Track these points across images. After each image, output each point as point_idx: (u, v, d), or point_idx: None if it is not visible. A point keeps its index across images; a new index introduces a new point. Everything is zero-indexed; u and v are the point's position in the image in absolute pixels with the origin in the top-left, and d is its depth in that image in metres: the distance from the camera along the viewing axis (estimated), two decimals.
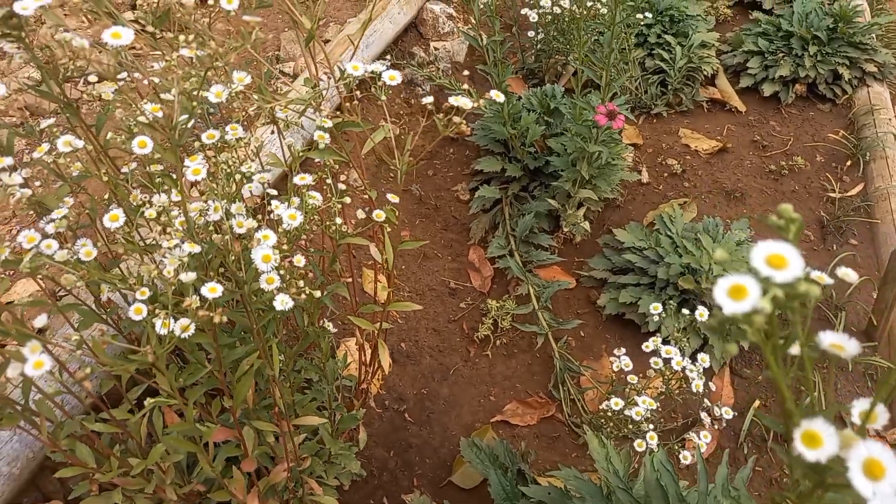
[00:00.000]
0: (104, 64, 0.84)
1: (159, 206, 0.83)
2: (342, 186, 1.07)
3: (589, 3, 2.12)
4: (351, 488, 1.53)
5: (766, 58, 2.59)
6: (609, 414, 1.43)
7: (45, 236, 0.84)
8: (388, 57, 2.47)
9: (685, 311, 1.55)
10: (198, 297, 0.81)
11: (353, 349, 1.71)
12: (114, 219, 0.83)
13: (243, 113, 1.02)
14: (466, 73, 2.50)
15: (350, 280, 1.20)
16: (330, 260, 1.15)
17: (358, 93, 1.00)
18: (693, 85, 2.55)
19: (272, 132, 1.52)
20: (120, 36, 0.67)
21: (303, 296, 0.80)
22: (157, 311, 0.83)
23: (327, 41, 2.27)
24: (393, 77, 0.90)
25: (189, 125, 0.75)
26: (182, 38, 0.83)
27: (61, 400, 1.11)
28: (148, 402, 0.81)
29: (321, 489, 1.23)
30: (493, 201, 2.09)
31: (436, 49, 2.51)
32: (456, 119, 0.81)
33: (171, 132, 0.75)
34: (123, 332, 1.17)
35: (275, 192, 1.05)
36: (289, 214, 0.85)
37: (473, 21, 2.67)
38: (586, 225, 1.94)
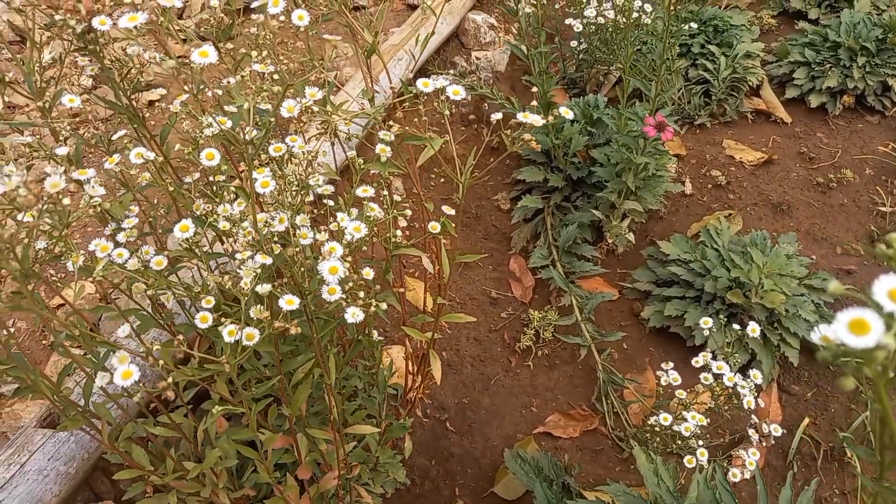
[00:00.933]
0: (174, 77, 0.86)
1: (230, 217, 0.84)
2: (397, 198, 1.08)
3: (634, 14, 2.11)
4: (394, 496, 1.54)
5: (813, 68, 2.54)
6: (657, 429, 1.42)
7: (117, 245, 0.87)
8: (430, 67, 2.48)
9: (736, 326, 1.53)
10: (261, 307, 0.82)
11: (396, 357, 1.72)
12: (184, 229, 0.85)
13: (299, 125, 1.04)
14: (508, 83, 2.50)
15: (402, 290, 1.21)
16: (384, 270, 1.16)
17: (405, 104, 1.01)
18: (737, 95, 2.52)
19: (327, 142, 1.53)
20: (207, 55, 0.68)
21: (372, 308, 0.80)
22: (223, 319, 0.85)
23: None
24: (457, 92, 0.91)
25: (264, 139, 0.76)
26: (255, 53, 0.85)
27: (125, 403, 1.13)
28: (216, 409, 0.82)
29: (370, 497, 1.24)
30: (535, 211, 2.09)
31: (477, 59, 2.52)
32: (526, 136, 0.81)
33: (244, 146, 0.77)
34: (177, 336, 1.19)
35: (332, 203, 1.06)
36: (354, 227, 0.85)
37: (515, 31, 2.67)
38: (630, 236, 1.93)
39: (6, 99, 0.95)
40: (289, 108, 0.81)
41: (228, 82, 0.83)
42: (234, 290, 0.75)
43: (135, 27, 0.69)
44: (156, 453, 1.22)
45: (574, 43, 2.44)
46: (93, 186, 0.74)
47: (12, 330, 1.00)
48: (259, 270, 0.76)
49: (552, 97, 2.04)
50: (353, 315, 0.79)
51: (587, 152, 2.07)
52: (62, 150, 0.78)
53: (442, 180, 2.24)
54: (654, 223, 2.15)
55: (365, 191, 0.95)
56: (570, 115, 0.89)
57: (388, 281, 1.23)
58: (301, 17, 0.86)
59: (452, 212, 1.15)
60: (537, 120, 0.81)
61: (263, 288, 0.75)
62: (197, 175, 1.06)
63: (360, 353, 1.24)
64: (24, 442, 1.24)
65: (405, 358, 1.40)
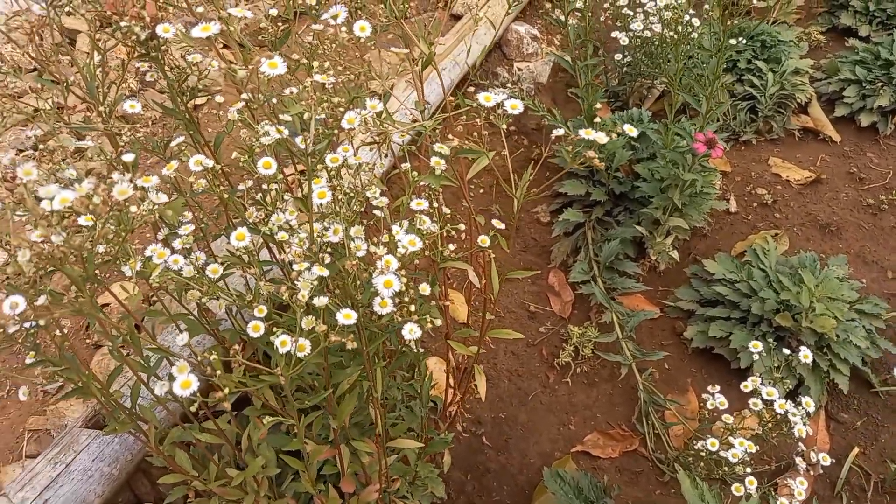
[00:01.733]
0: (240, 85, 0.86)
1: (285, 226, 0.84)
2: (446, 210, 1.07)
3: (679, 28, 2.08)
4: None
5: (864, 87, 2.48)
6: (702, 454, 1.38)
7: (173, 251, 0.87)
8: (472, 76, 2.47)
9: (786, 350, 1.49)
10: (318, 320, 0.81)
11: (434, 369, 1.71)
12: (240, 238, 0.85)
13: (348, 134, 1.04)
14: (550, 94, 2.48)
15: (449, 303, 1.20)
16: (431, 283, 1.15)
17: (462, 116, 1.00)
18: (784, 112, 2.47)
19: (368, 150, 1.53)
20: (276, 66, 0.68)
21: (428, 325, 0.79)
22: (275, 329, 0.84)
23: (414, 61, 2.30)
24: (515, 106, 0.89)
25: (326, 149, 0.76)
26: (316, 64, 0.85)
27: (172, 408, 1.14)
28: (266, 420, 0.81)
29: None
30: (576, 225, 2.06)
31: (519, 70, 2.51)
32: (590, 153, 0.79)
33: (305, 157, 0.76)
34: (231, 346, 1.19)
35: (381, 214, 1.06)
36: (409, 240, 0.85)
37: (557, 42, 2.66)
38: (675, 254, 1.89)
39: (56, 100, 0.97)
40: (349, 119, 0.80)
41: (291, 92, 0.83)
42: (289, 302, 0.75)
43: (207, 37, 0.69)
44: (198, 458, 1.22)
45: (618, 56, 2.41)
46: (156, 194, 0.74)
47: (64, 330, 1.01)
48: (315, 282, 0.75)
49: (597, 111, 2.01)
50: (411, 331, 0.77)
51: (630, 167, 2.04)
52: (129, 157, 0.79)
53: (481, 191, 2.23)
54: (697, 240, 2.11)
55: (419, 203, 0.94)
56: (634, 132, 0.87)
57: (434, 293, 1.22)
58: (363, 28, 0.86)
59: (502, 226, 1.14)
60: (602, 137, 0.80)
61: (320, 301, 0.74)
62: (250, 183, 1.07)
63: (399, 365, 1.23)
64: (69, 441, 1.25)
65: (445, 372, 1.39)
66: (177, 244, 0.88)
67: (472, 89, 2.36)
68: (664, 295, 1.98)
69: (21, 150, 2.46)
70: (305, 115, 0.82)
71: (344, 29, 0.87)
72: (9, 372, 1.86)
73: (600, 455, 1.64)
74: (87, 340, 1.79)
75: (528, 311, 1.96)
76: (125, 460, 1.30)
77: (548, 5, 1.96)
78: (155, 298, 1.61)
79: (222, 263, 0.86)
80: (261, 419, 1.22)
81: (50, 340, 0.91)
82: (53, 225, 0.58)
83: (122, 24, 0.85)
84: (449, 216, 1.07)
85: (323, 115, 0.79)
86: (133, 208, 0.67)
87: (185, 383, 0.69)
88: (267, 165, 0.91)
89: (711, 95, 1.58)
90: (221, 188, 1.03)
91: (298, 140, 0.99)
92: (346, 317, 0.73)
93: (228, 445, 1.19)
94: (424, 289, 0.84)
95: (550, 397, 1.78)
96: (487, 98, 0.82)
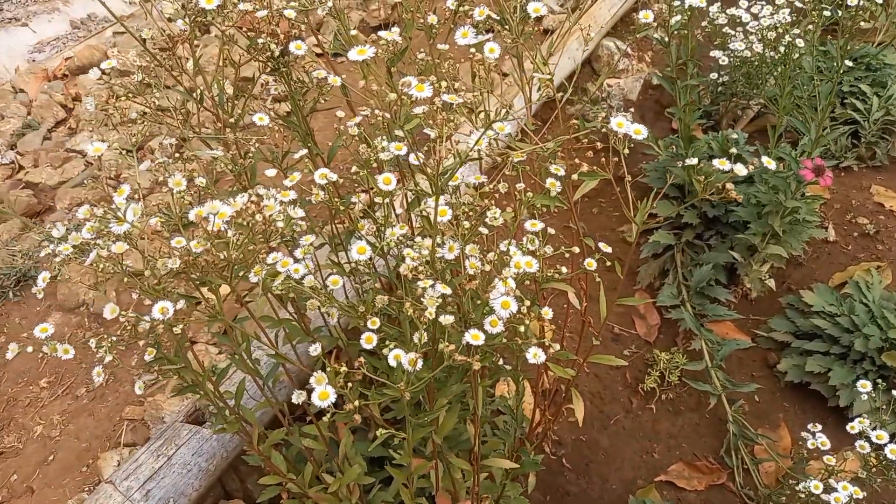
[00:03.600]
0: (370, 103, 0.88)
1: (403, 241, 0.85)
2: (551, 230, 1.06)
3: (783, 49, 2.01)
4: None
5: None
6: (801, 495, 1.32)
7: (296, 260, 0.89)
8: (561, 92, 2.46)
9: (895, 392, 1.41)
10: (423, 333, 0.82)
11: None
12: (361, 251, 0.87)
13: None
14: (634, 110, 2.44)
15: (542, 323, 1.18)
16: (531, 301, 1.14)
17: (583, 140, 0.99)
18: (889, 139, 2.35)
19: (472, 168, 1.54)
20: (423, 89, 0.69)
21: (551, 350, 0.79)
22: (387, 343, 0.85)
23: (505, 75, 2.30)
24: (639, 131, 0.88)
25: (455, 168, 0.77)
26: (444, 84, 0.86)
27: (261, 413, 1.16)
28: (380, 432, 0.82)
29: None
30: (665, 247, 2.02)
31: (609, 86, 2.48)
32: (729, 186, 0.77)
33: (435, 178, 0.77)
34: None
35: (485, 231, 1.06)
36: (526, 261, 0.84)
37: (648, 59, 2.62)
38: (771, 282, 1.82)
39: (182, 110, 1.01)
40: (477, 141, 0.81)
41: (422, 111, 0.84)
42: (413, 318, 0.76)
43: (363, 60, 0.71)
44: (291, 460, 1.25)
45: (713, 75, 2.35)
46: (294, 208, 0.76)
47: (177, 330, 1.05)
48: (440, 300, 0.76)
49: (694, 132, 1.97)
50: (535, 356, 0.77)
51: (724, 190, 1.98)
52: (271, 172, 0.82)
53: (565, 208, 2.21)
54: (791, 269, 2.03)
55: (534, 224, 0.94)
56: (772, 165, 0.84)
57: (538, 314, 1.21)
58: (492, 49, 0.86)
59: (609, 249, 1.12)
60: (741, 169, 0.78)
61: (447, 318, 0.75)
62: (364, 196, 1.09)
63: (493, 382, 1.23)
64: (171, 435, 1.30)
65: (534, 392, 1.37)
66: (298, 253, 0.90)
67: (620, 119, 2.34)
68: (755, 324, 1.91)
69: (127, 150, 2.58)
70: (432, 135, 0.83)
71: (473, 49, 0.87)
72: (108, 364, 1.94)
73: (685, 487, 1.59)
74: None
75: (612, 333, 1.93)
76: (220, 457, 1.34)
77: (645, 23, 1.93)
78: (248, 300, 1.66)
79: (342, 274, 0.88)
80: (342, 425, 1.23)
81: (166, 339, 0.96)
82: (211, 236, 0.60)
83: (260, 40, 0.88)
84: (553, 236, 1.06)
85: (453, 134, 0.80)
86: (280, 223, 0.70)
87: (323, 394, 0.71)
88: (387, 181, 0.92)
89: (823, 121, 1.52)
90: (337, 200, 1.06)
91: (412, 157, 1.00)
92: (475, 337, 0.74)
93: (322, 451, 1.21)
94: (546, 312, 0.84)
95: (633, 423, 1.74)
96: (620, 124, 0.81)
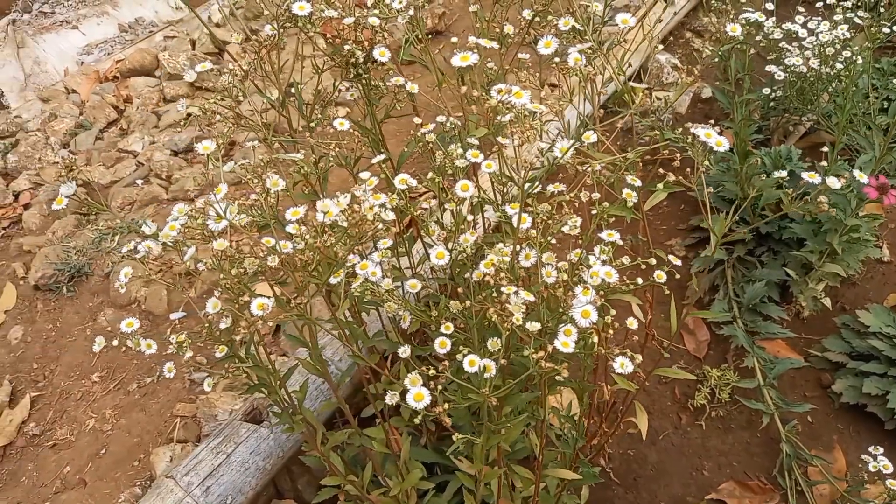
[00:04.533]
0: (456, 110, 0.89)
1: (496, 254, 0.85)
2: (619, 241, 1.06)
3: (841, 66, 1.99)
4: None
5: None
6: None
7: (375, 264, 0.90)
8: (609, 104, 2.46)
9: None
10: (497, 340, 0.82)
11: (572, 399, 1.69)
12: (440, 256, 0.87)
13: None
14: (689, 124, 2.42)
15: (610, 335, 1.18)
16: (598, 312, 1.14)
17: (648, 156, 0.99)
18: None
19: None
20: (521, 95, 0.70)
21: (637, 360, 0.79)
22: (461, 349, 0.86)
23: (554, 86, 2.30)
24: (720, 143, 0.88)
25: (542, 175, 0.77)
26: (529, 93, 0.86)
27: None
28: (456, 437, 0.83)
29: None
30: (716, 262, 2.00)
31: (658, 99, 2.47)
32: (822, 199, 0.76)
33: (521, 189, 0.77)
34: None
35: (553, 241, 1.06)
36: (605, 272, 0.84)
37: (697, 72, 2.60)
38: (827, 301, 1.79)
39: (261, 113, 1.02)
40: (562, 149, 0.81)
41: (501, 119, 0.84)
42: (498, 324, 0.76)
43: (469, 65, 0.72)
44: (347, 462, 1.26)
45: (766, 90, 2.33)
46: (385, 210, 0.78)
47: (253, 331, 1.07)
48: (524, 307, 0.76)
49: (747, 146, 1.95)
50: (622, 365, 0.77)
51: (778, 206, 1.96)
52: (365, 175, 0.83)
53: (612, 220, 2.20)
54: (845, 288, 1.99)
55: (610, 235, 0.94)
56: (836, 184, 0.83)
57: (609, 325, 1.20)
58: (577, 59, 0.87)
59: (679, 262, 1.12)
60: (835, 182, 0.77)
61: (533, 325, 0.75)
62: (434, 202, 1.10)
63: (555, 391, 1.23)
64: (230, 433, 1.32)
65: (590, 404, 1.37)
66: (375, 257, 0.91)
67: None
68: (807, 343, 1.88)
69: (176, 152, 2.64)
70: (516, 143, 0.83)
71: (557, 58, 0.88)
72: (160, 359, 1.97)
73: None
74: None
75: (662, 348, 1.90)
76: (277, 456, 1.35)
77: (697, 41, 1.92)
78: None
79: (417, 279, 0.89)
80: (394, 430, 1.24)
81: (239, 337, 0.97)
82: (320, 233, 0.61)
83: (346, 47, 0.90)
84: (622, 247, 1.06)
85: (542, 144, 0.80)
86: (380, 224, 0.71)
87: (419, 395, 0.71)
88: (465, 188, 0.93)
89: (888, 140, 1.50)
90: (411, 206, 1.07)
91: (487, 164, 1.01)
92: (565, 345, 0.74)
93: (382, 454, 1.22)
94: (632, 323, 0.84)
95: (682, 439, 1.72)
96: (708, 134, 0.81)
